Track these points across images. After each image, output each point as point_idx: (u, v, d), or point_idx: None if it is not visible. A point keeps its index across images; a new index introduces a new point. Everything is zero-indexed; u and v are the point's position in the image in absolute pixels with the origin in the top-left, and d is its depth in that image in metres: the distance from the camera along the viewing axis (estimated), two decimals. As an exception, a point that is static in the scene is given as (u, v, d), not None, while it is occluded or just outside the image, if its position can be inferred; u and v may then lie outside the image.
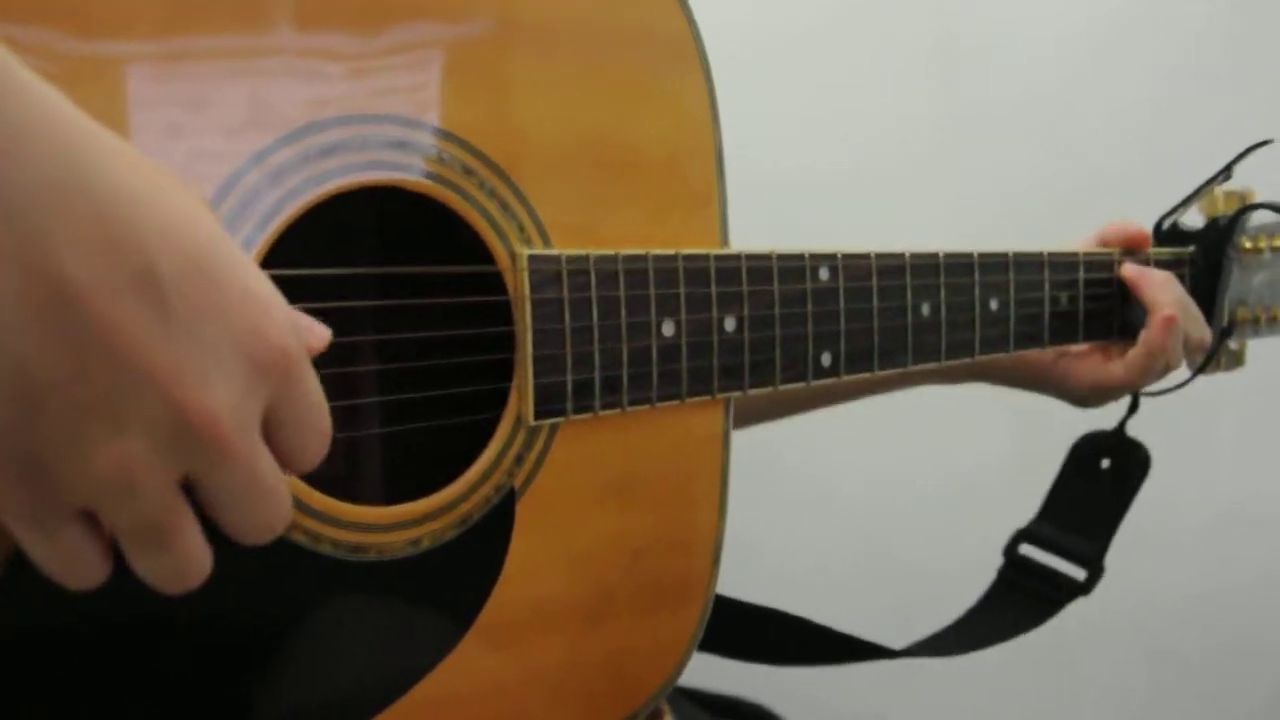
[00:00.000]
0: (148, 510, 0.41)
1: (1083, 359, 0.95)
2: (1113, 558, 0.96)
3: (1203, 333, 0.95)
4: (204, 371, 0.40)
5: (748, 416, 0.98)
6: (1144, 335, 0.91)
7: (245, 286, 0.42)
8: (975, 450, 0.98)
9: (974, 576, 0.98)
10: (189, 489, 0.43)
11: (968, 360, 0.84)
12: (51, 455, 0.39)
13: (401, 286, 0.64)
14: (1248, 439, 1.78)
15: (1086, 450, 0.99)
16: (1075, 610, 0.94)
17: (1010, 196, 1.56)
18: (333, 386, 0.48)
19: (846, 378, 0.75)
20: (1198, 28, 1.69)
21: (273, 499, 0.44)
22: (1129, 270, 0.93)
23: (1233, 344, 1.07)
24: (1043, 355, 0.95)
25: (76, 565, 0.42)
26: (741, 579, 0.78)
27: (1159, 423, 0.99)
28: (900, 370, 0.79)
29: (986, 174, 1.58)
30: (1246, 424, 1.74)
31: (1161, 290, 0.91)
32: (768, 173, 1.30)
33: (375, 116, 0.58)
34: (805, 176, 1.48)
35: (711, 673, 0.85)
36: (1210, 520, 1.78)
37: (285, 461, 0.45)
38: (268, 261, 0.54)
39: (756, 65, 1.44)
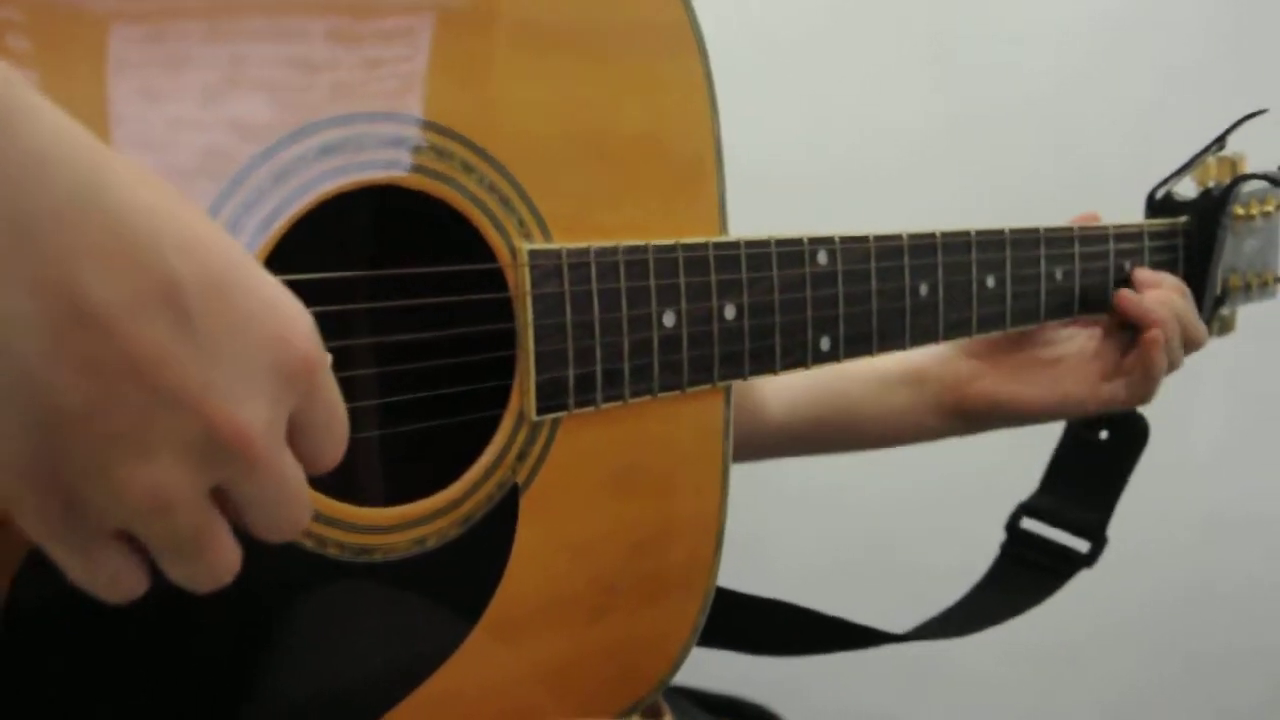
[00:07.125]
0: (183, 528, 0.41)
1: (1076, 372, 0.93)
2: (1112, 557, 0.95)
3: (1199, 331, 0.94)
4: (233, 386, 0.40)
5: (762, 448, 0.99)
6: (1141, 358, 0.90)
7: (267, 297, 0.42)
8: (978, 443, 0.98)
9: (978, 570, 0.98)
10: (215, 492, 0.42)
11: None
12: (84, 482, 0.39)
13: (402, 286, 0.64)
14: (1249, 437, 1.78)
15: (1085, 422, 0.99)
16: (1076, 610, 0.94)
17: (1008, 196, 1.54)
18: None
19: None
20: (1197, 27, 1.67)
21: (298, 499, 0.44)
22: (1122, 302, 0.91)
23: (1224, 310, 1.08)
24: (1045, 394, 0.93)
25: (116, 583, 0.42)
26: (747, 575, 0.78)
27: (1157, 420, 0.98)
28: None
29: (984, 174, 1.57)
30: (1247, 423, 1.74)
31: (1157, 308, 0.90)
32: (764, 172, 1.29)
33: (372, 115, 0.57)
34: (802, 176, 1.47)
35: (711, 672, 0.85)
36: (1210, 519, 1.77)
37: (305, 465, 0.45)
38: (269, 266, 0.54)
39: (754, 64, 1.42)
